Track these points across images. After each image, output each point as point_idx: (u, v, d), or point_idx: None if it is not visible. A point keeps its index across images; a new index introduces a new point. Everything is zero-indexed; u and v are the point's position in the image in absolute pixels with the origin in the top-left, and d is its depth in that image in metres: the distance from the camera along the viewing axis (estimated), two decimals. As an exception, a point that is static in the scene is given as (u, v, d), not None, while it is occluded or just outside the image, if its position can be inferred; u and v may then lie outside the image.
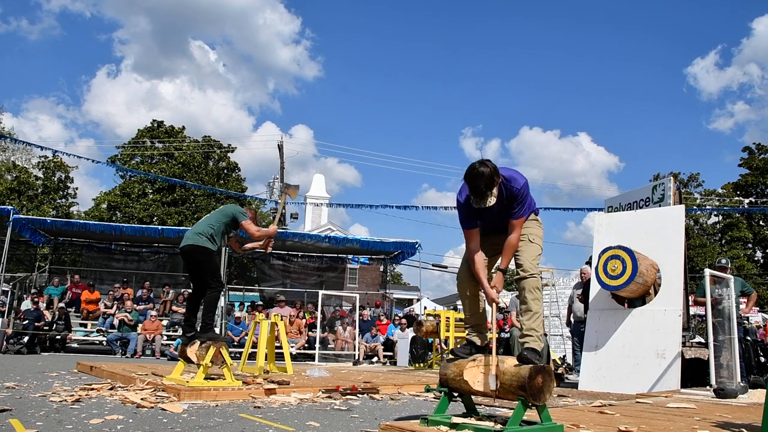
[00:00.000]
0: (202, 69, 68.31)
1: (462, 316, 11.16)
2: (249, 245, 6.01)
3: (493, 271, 3.39)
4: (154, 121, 35.00)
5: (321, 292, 13.34)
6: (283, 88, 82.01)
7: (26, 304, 12.74)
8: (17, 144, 27.02)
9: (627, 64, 78.33)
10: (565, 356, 11.66)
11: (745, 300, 8.10)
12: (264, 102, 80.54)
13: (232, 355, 8.31)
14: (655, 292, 6.45)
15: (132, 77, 66.60)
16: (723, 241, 38.26)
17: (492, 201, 3.02)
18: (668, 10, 75.39)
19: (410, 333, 12.08)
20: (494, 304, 3.21)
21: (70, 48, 73.17)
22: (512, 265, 3.32)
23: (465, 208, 3.25)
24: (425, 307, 21.30)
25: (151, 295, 14.31)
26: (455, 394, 3.08)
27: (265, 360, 7.53)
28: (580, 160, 75.64)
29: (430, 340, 11.27)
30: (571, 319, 9.28)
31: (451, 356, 3.30)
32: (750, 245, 38.43)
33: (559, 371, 8.07)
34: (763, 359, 8.06)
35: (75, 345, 13.36)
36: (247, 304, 15.10)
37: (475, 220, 3.27)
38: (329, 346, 13.53)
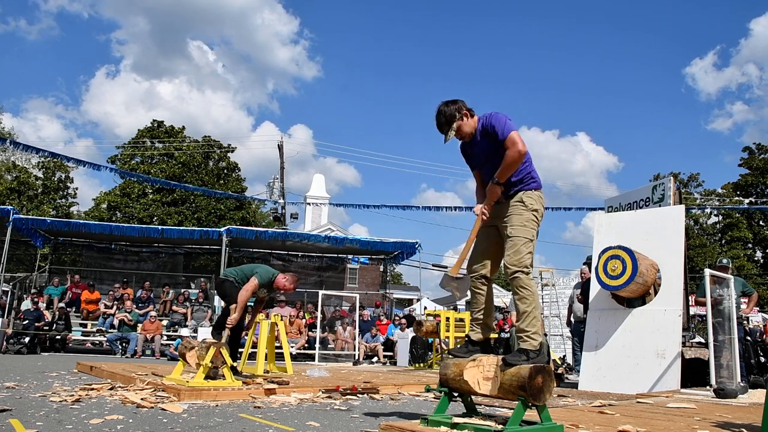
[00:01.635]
0: (201, 69, 68.39)
1: (461, 316, 11.20)
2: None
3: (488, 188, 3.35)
4: (154, 121, 35.07)
5: (321, 292, 13.34)
6: (282, 88, 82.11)
7: (26, 304, 12.74)
8: (17, 146, 27.02)
9: (625, 64, 78.47)
10: (565, 356, 11.66)
11: (746, 300, 8.09)
12: (263, 102, 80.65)
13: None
14: (655, 292, 6.45)
15: (131, 77, 66.71)
16: (723, 241, 38.27)
17: (452, 136, 3.35)
18: (667, 10, 75.51)
19: (410, 333, 12.08)
20: (477, 219, 3.30)
21: (68, 48, 73.28)
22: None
23: (461, 153, 3.60)
24: (425, 307, 21.30)
25: (151, 296, 14.31)
26: (455, 394, 3.08)
27: (265, 360, 7.53)
28: (579, 160, 75.79)
29: (430, 340, 11.27)
30: (571, 319, 9.28)
31: (450, 356, 3.30)
32: (750, 245, 38.45)
33: (559, 371, 8.07)
34: (763, 359, 8.05)
35: (81, 342, 13.36)
36: (248, 304, 15.07)
37: (469, 162, 3.57)
38: (329, 346, 13.53)
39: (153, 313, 13.03)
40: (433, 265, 30.16)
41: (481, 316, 3.35)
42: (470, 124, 3.37)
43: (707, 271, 6.35)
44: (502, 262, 3.22)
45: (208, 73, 69.59)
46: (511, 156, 3.19)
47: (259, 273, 6.10)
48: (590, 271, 8.12)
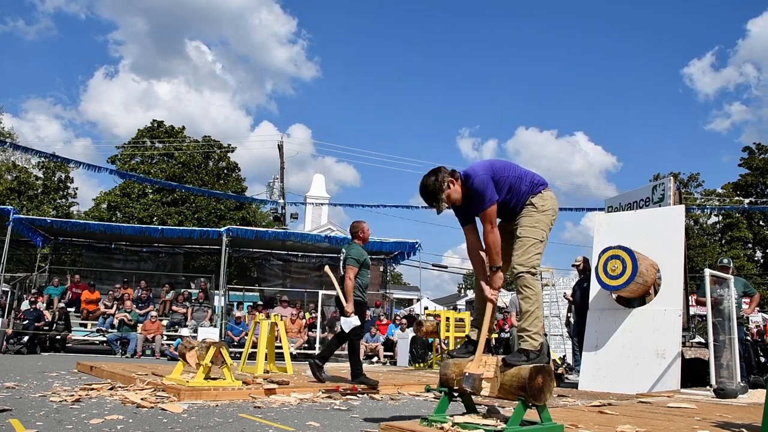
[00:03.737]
0: (199, 70, 68.32)
1: (462, 315, 11.21)
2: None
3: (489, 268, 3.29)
4: (154, 121, 35.02)
5: (321, 292, 13.32)
6: (280, 88, 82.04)
7: (26, 304, 12.73)
8: (18, 148, 27.04)
9: (623, 64, 78.49)
10: (565, 356, 11.66)
11: (748, 300, 8.08)
12: (261, 102, 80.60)
13: (232, 355, 8.31)
14: (655, 292, 6.46)
15: (129, 78, 66.66)
16: (723, 241, 38.26)
17: (444, 207, 3.19)
18: (665, 10, 75.50)
19: (410, 333, 12.08)
20: (489, 303, 3.19)
21: (67, 48, 73.19)
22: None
23: (454, 212, 3.43)
24: (426, 308, 21.30)
25: (150, 295, 14.30)
26: (455, 394, 3.08)
27: (265, 360, 7.52)
28: (577, 159, 75.80)
29: (430, 340, 11.27)
30: (571, 320, 9.29)
31: (450, 357, 3.30)
32: (750, 245, 38.43)
33: (559, 371, 8.07)
34: (763, 359, 8.06)
35: (81, 342, 13.36)
36: (247, 304, 15.10)
37: (462, 219, 3.41)
38: (329, 346, 13.51)
39: (153, 313, 13.02)
40: (433, 265, 30.18)
41: (483, 317, 3.36)
42: (457, 190, 3.23)
43: (707, 271, 6.36)
44: (513, 258, 3.19)
45: (206, 74, 69.58)
46: (490, 239, 3.15)
47: (349, 257, 5.73)
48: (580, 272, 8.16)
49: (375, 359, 13.06)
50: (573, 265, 8.85)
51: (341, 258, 5.85)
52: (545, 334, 8.37)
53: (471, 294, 32.12)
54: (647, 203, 7.77)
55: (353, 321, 5.60)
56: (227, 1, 66.82)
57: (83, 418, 3.43)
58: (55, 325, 12.28)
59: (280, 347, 8.54)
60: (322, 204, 37.87)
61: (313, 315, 14.00)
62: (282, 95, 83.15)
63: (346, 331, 5.65)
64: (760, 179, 37.45)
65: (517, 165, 3.39)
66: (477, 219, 3.35)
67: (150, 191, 32.38)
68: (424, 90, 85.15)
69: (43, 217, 18.42)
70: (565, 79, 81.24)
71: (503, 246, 3.30)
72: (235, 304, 15.07)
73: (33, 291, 13.81)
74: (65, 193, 34.15)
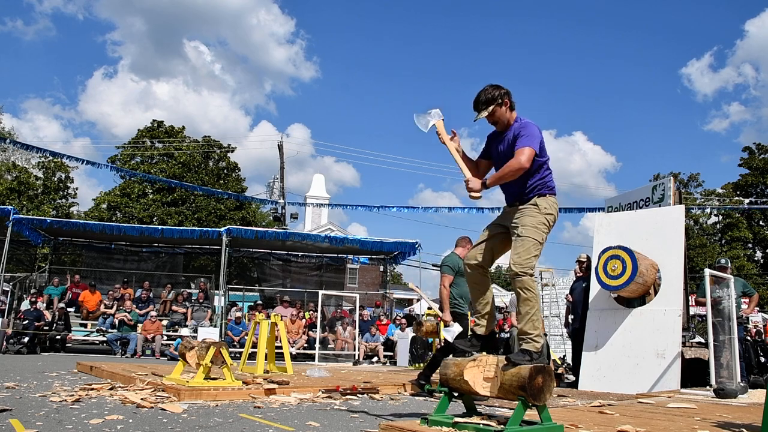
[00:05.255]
0: (198, 70, 68.28)
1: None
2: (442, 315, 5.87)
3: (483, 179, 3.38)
4: (154, 121, 35.04)
5: (321, 292, 13.33)
6: (279, 89, 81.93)
7: (26, 304, 12.73)
8: (17, 146, 27.03)
9: (622, 63, 78.53)
10: (565, 356, 11.66)
11: (747, 300, 8.08)
12: (260, 103, 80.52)
13: (232, 355, 8.31)
14: (655, 292, 6.46)
15: (128, 78, 66.62)
16: (723, 241, 38.26)
17: (484, 116, 3.32)
18: (663, 11, 75.49)
19: (410, 333, 12.08)
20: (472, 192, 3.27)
21: (65, 49, 73.10)
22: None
23: (487, 140, 3.59)
24: (429, 307, 21.25)
25: (151, 295, 14.30)
26: (455, 394, 3.08)
27: (265, 360, 7.52)
28: (576, 159, 75.75)
29: (430, 340, 11.26)
30: (569, 320, 9.27)
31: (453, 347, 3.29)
32: (750, 245, 38.43)
33: (559, 371, 8.07)
34: (763, 359, 8.06)
35: (81, 342, 13.35)
36: (248, 304, 15.09)
37: (485, 153, 3.55)
38: (329, 346, 13.53)
39: (153, 313, 13.02)
40: (433, 265, 30.12)
41: (483, 310, 3.35)
42: (506, 115, 3.36)
43: (707, 271, 6.36)
44: (510, 259, 3.21)
45: (205, 74, 69.53)
46: (511, 165, 3.18)
47: (444, 265, 5.72)
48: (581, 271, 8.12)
49: (375, 359, 13.06)
50: (578, 261, 8.77)
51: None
52: (545, 334, 8.39)
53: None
54: (647, 203, 7.77)
55: (454, 329, 5.43)
56: (226, 2, 66.87)
57: (83, 418, 3.43)
58: (55, 325, 12.27)
59: (280, 347, 8.55)
60: (321, 205, 37.88)
61: (314, 315, 13.99)
62: (281, 95, 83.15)
63: (450, 340, 5.44)
64: (760, 179, 37.45)
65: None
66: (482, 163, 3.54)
67: (150, 191, 32.39)
68: (424, 90, 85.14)
69: (43, 217, 18.40)
70: (563, 78, 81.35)
71: (490, 240, 3.39)
72: (242, 306, 15.05)
73: (33, 291, 13.80)
74: (65, 193, 34.15)
